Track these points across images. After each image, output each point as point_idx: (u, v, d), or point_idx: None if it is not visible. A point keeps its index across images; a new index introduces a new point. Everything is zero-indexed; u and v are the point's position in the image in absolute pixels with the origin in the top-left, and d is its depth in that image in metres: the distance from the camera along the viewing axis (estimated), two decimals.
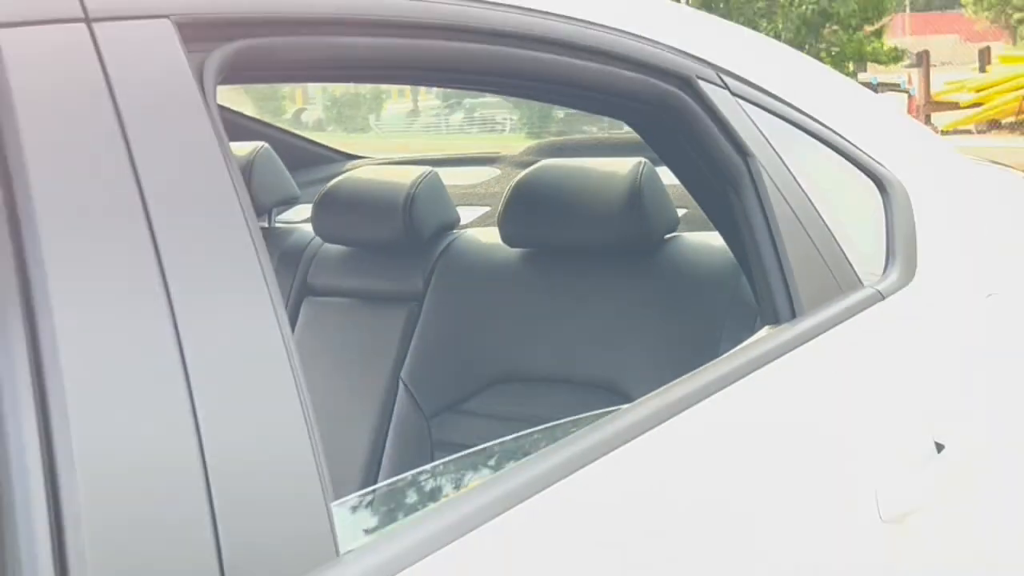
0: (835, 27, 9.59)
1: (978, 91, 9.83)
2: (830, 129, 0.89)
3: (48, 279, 0.42)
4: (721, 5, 9.15)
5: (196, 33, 0.51)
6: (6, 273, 0.42)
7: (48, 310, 0.42)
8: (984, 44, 13.61)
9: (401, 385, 1.33)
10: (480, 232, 1.45)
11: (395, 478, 0.70)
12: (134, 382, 0.44)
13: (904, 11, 19.99)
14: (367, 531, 0.61)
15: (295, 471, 0.48)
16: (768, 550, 0.72)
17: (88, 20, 0.47)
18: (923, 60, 10.35)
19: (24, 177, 0.43)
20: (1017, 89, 9.36)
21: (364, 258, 1.46)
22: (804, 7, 9.10)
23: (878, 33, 10.28)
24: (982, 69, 11.29)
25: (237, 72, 0.56)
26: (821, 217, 0.83)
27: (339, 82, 2.61)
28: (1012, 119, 9.63)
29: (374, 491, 0.76)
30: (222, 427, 0.45)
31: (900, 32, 17.68)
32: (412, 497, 0.72)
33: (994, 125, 9.94)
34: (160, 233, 0.45)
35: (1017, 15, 8.29)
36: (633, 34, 0.76)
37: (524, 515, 0.55)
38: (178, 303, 0.45)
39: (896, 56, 10.43)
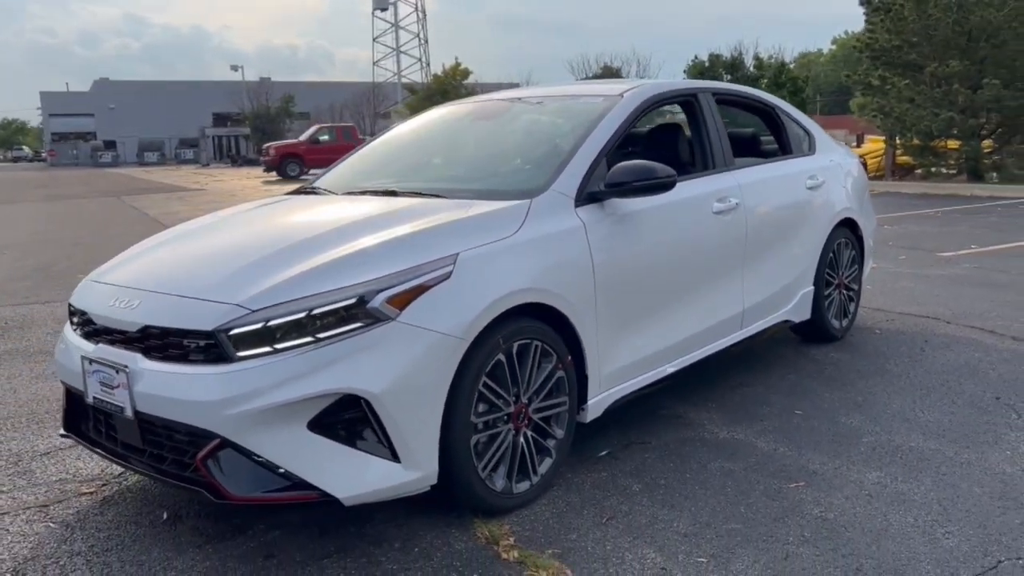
0: None
1: None
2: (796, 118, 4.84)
3: None
4: None
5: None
6: None
7: None
8: (860, 132, 23.98)
9: None
10: None
11: None
12: None
13: (815, 114, 41.56)
14: None
15: None
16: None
17: None
18: None
19: None
20: (876, 157, 18.38)
21: None
22: None
23: None
24: (858, 145, 21.69)
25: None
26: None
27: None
28: (871, 172, 17.11)
29: None
30: None
31: None
32: None
33: None
34: None
35: (878, 119, 16.64)
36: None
37: None
38: None
39: None
